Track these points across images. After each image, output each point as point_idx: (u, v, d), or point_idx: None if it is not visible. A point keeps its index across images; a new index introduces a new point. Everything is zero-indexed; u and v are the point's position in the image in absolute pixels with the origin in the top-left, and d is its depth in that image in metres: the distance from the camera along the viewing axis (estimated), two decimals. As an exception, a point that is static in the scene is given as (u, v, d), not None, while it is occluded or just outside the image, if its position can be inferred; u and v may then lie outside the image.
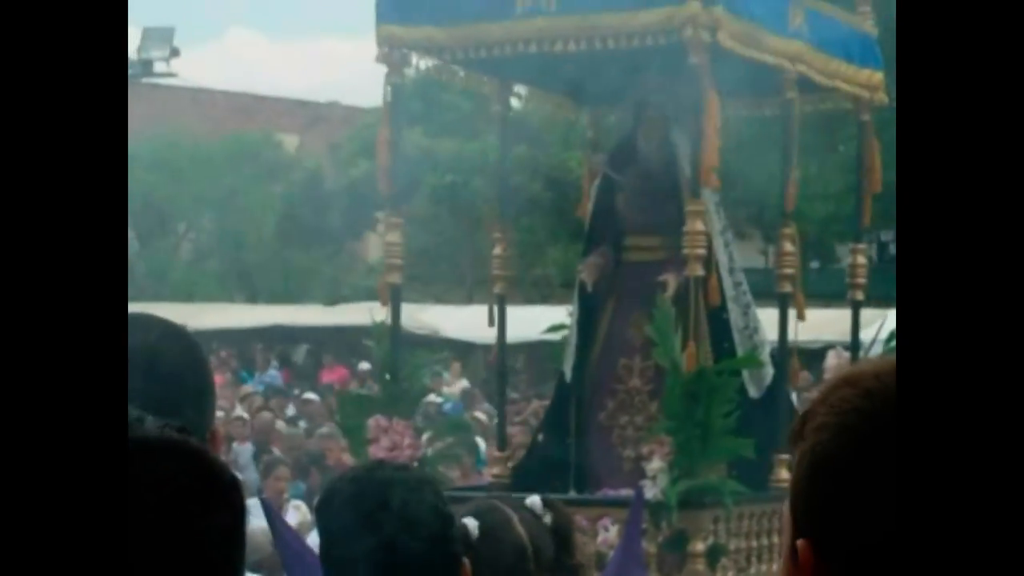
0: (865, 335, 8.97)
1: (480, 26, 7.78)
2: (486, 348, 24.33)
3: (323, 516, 2.82)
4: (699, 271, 7.55)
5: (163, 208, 35.55)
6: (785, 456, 8.15)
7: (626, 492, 7.71)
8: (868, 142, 8.93)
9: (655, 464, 7.56)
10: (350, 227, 33.72)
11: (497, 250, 9.01)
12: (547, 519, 3.74)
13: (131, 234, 36.52)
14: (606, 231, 8.50)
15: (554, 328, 8.97)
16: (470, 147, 32.09)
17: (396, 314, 8.09)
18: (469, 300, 29.45)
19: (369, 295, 30.54)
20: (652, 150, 8.40)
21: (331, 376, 24.15)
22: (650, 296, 7.99)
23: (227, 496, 1.45)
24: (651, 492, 7.49)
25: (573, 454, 8.32)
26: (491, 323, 8.67)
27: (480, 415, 15.97)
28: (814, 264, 29.43)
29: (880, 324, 8.81)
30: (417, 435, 8.02)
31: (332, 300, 31.21)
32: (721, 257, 8.35)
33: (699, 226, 7.53)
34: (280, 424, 15.99)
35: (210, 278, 35.51)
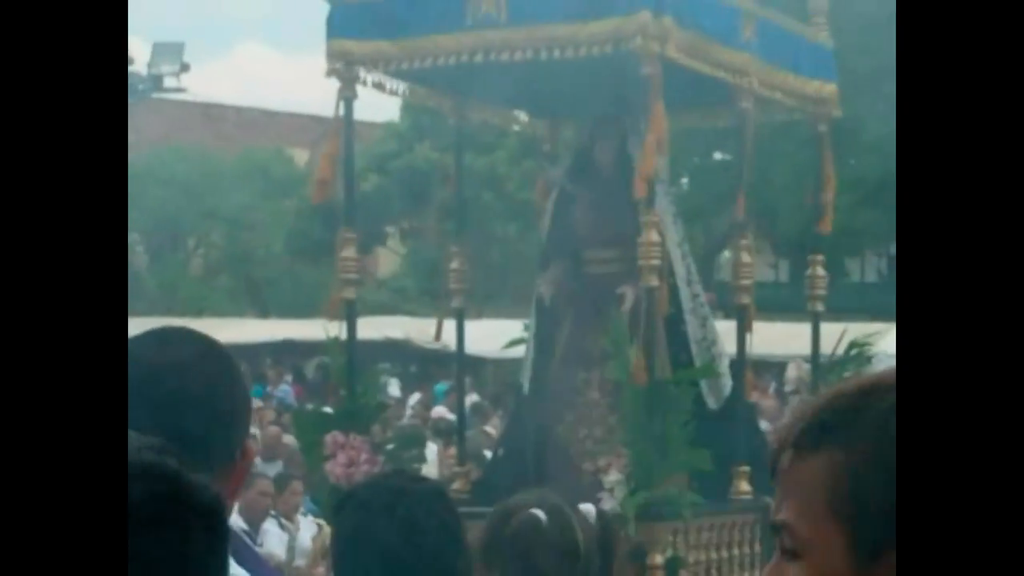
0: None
1: (430, 39, 7.75)
2: (496, 363, 24.34)
3: (336, 520, 2.85)
4: (654, 282, 7.51)
5: (174, 223, 35.63)
6: (745, 468, 8.11)
7: (585, 506, 7.67)
8: (824, 153, 8.88)
9: (612, 477, 7.52)
10: (360, 242, 33.66)
11: (454, 264, 9.00)
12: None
13: (141, 249, 36.65)
14: (564, 244, 8.47)
15: (514, 343, 8.93)
16: (480, 162, 32.06)
17: (352, 329, 8.07)
18: (479, 315, 29.42)
19: (380, 309, 30.66)
20: (608, 162, 8.37)
21: (342, 390, 24.03)
22: (608, 309, 7.96)
23: (205, 520, 1.39)
24: (608, 505, 7.44)
25: (532, 468, 8.27)
26: (437, 337, 8.63)
27: (490, 429, 15.98)
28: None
29: (840, 337, 8.76)
30: (375, 450, 7.98)
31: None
32: (679, 268, 8.31)
33: (653, 237, 7.48)
34: (289, 438, 15.99)
35: (221, 293, 35.58)
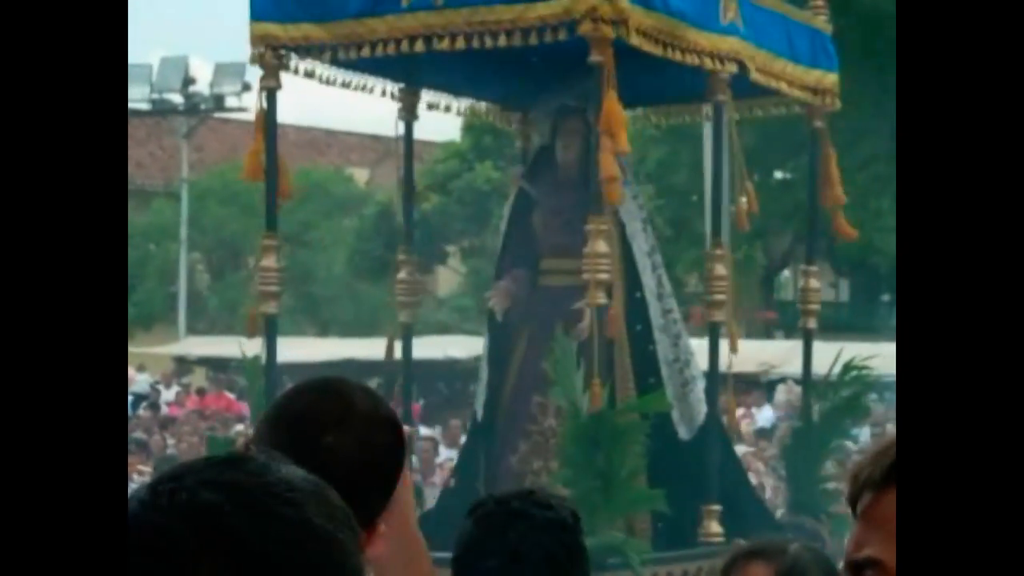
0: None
1: (361, 22, 6.95)
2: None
3: (465, 522, 2.75)
4: (600, 300, 6.61)
5: (234, 242, 35.25)
6: (715, 507, 7.19)
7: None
8: (823, 151, 7.95)
9: (551, 519, 6.63)
10: (420, 261, 33.07)
11: (401, 274, 8.17)
12: None
13: (202, 267, 36.30)
14: (520, 252, 7.63)
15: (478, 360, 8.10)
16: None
17: (272, 348, 7.27)
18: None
19: (440, 329, 30.05)
20: (570, 161, 7.51)
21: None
22: (568, 325, 7.09)
23: None
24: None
25: (483, 503, 7.41)
26: (388, 355, 7.81)
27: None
28: (885, 297, 28.44)
29: (836, 358, 7.82)
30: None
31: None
32: (647, 281, 7.43)
33: (600, 247, 6.60)
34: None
35: (281, 312, 35.12)
